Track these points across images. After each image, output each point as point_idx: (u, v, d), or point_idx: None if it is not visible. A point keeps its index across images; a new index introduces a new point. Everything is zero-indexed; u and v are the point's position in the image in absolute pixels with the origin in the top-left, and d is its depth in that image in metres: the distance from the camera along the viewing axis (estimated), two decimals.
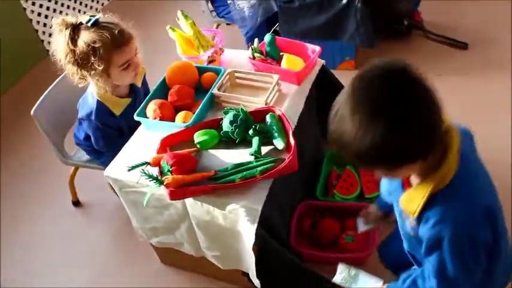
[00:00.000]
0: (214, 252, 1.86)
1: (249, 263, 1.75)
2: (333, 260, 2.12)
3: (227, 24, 3.47)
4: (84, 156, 2.40)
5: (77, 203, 2.67)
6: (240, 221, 1.63)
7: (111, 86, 1.96)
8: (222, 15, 3.21)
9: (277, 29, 3.02)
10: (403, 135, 0.98)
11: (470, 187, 1.12)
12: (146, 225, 1.94)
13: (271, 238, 1.69)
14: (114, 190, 2.38)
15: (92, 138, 2.08)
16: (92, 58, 1.80)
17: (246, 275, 1.89)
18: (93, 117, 1.99)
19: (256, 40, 2.08)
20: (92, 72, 1.85)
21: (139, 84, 2.14)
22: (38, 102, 2.19)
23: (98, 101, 1.99)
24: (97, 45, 1.78)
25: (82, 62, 1.82)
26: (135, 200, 1.83)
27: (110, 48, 1.81)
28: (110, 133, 2.05)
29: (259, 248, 1.66)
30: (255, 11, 3.05)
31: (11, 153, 3.08)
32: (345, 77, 2.33)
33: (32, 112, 2.18)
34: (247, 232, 1.63)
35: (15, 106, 3.40)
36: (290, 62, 1.99)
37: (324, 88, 2.17)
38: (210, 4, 3.23)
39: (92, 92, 2.01)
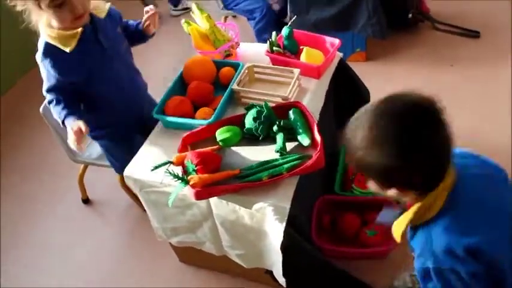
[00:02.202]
0: (237, 250, 1.83)
1: (274, 261, 1.72)
2: (355, 256, 2.12)
3: (233, 16, 3.42)
4: (93, 154, 2.36)
5: (86, 201, 2.63)
6: (267, 219, 1.60)
7: (57, 22, 1.69)
8: (230, 8, 3.15)
9: (286, 21, 2.98)
10: (407, 168, 1.05)
11: (455, 225, 1.12)
12: (167, 225, 1.90)
13: (298, 236, 1.67)
14: (125, 189, 2.37)
15: (46, 84, 1.81)
16: None
17: (270, 272, 1.86)
18: (40, 59, 1.75)
19: (274, 33, 2.03)
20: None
21: (101, 16, 1.82)
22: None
23: (44, 42, 1.72)
24: None
25: None
26: (156, 200, 1.80)
27: None
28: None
29: (286, 246, 1.63)
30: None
31: (14, 153, 3.04)
32: (356, 68, 2.34)
33: (40, 109, 2.13)
34: (275, 231, 1.60)
35: (17, 105, 3.35)
36: (310, 55, 1.95)
37: (340, 80, 2.14)
38: None
39: (41, 34, 1.75)
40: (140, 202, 2.40)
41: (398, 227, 1.23)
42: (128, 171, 1.77)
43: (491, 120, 2.59)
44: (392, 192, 1.14)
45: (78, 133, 1.69)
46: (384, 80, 2.89)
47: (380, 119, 1.06)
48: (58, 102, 1.79)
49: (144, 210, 2.41)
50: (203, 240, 1.90)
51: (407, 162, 1.04)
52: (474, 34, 3.07)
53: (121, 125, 1.98)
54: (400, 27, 3.14)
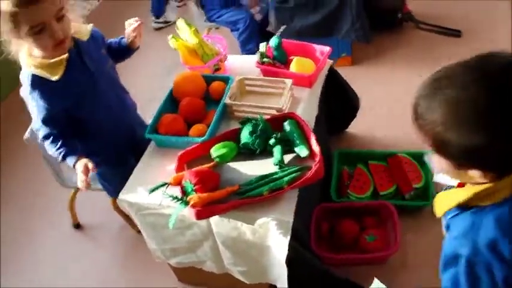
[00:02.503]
0: (240, 267, 1.79)
1: (278, 275, 1.70)
2: (355, 262, 2.11)
3: (216, 28, 3.40)
4: None
5: (78, 226, 2.56)
6: (271, 234, 1.58)
7: (38, 50, 1.61)
8: (213, 20, 3.13)
9: (269, 30, 2.98)
10: (501, 146, 0.88)
11: None
12: (166, 246, 1.86)
13: (302, 248, 1.65)
14: (118, 211, 2.32)
15: (37, 120, 1.72)
16: None
17: (273, 287, 1.84)
18: (28, 92, 1.66)
19: (263, 44, 2.02)
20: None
21: (84, 39, 1.74)
22: (30, 127, 2.03)
23: (30, 74, 1.63)
24: None
25: None
26: (154, 222, 1.76)
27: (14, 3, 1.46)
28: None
29: (291, 259, 1.60)
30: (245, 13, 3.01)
31: (8, 171, 2.96)
32: (343, 73, 2.34)
33: (24, 137, 2.04)
34: (279, 245, 1.57)
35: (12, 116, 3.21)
36: (300, 65, 1.94)
37: (330, 87, 2.13)
38: (199, 8, 3.15)
39: (23, 67, 1.66)
40: (134, 224, 2.38)
41: (448, 201, 1.05)
42: (123, 194, 1.73)
43: None
44: (472, 174, 0.96)
45: (86, 172, 1.64)
46: (371, 82, 2.90)
47: (469, 85, 0.88)
48: (55, 139, 1.73)
49: (139, 232, 2.40)
50: (204, 260, 1.86)
51: (503, 139, 0.87)
52: (456, 33, 3.10)
53: (113, 148, 1.93)
54: (384, 29, 3.16)
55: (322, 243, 2.13)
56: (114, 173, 1.96)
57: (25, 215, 2.70)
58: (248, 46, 3.00)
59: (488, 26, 3.14)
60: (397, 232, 2.02)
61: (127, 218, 2.39)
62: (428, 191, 2.20)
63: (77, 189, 2.40)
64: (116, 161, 1.96)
